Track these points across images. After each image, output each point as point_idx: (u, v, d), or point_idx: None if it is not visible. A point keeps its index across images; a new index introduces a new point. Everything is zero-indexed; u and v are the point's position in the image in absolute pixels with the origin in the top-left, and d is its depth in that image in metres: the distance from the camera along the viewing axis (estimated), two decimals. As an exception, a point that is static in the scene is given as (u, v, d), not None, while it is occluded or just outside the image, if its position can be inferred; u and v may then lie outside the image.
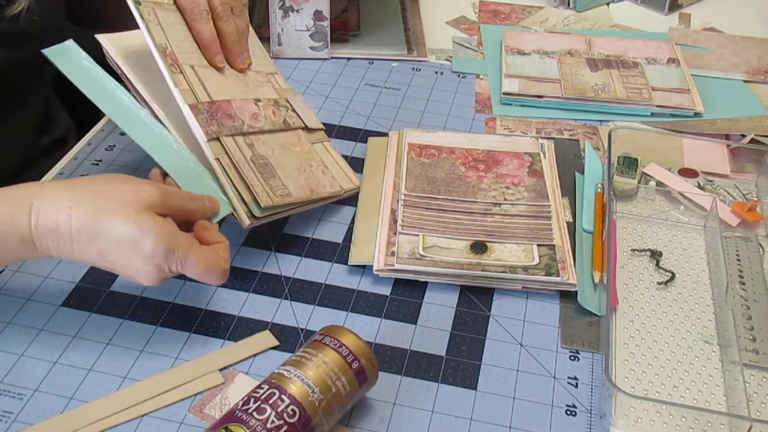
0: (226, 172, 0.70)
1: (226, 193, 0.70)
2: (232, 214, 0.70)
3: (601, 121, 0.96)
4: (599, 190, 0.82)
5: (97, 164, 0.85)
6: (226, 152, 0.71)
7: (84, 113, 0.88)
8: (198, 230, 0.65)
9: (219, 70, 0.78)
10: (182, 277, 0.63)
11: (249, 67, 0.82)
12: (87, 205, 0.58)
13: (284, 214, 0.74)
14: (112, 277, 0.71)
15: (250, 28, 0.84)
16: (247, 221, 0.70)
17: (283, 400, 0.54)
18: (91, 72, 0.72)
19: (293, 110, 0.82)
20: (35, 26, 0.80)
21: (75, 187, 0.60)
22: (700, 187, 0.84)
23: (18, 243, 0.59)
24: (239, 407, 0.54)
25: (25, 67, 0.81)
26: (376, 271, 0.72)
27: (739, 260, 0.76)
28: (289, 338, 0.67)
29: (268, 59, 0.87)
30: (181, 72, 0.73)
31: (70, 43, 0.73)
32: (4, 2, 0.76)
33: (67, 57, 0.72)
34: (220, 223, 0.69)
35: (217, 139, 0.72)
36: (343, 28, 1.12)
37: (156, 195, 0.60)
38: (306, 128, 0.82)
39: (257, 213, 0.70)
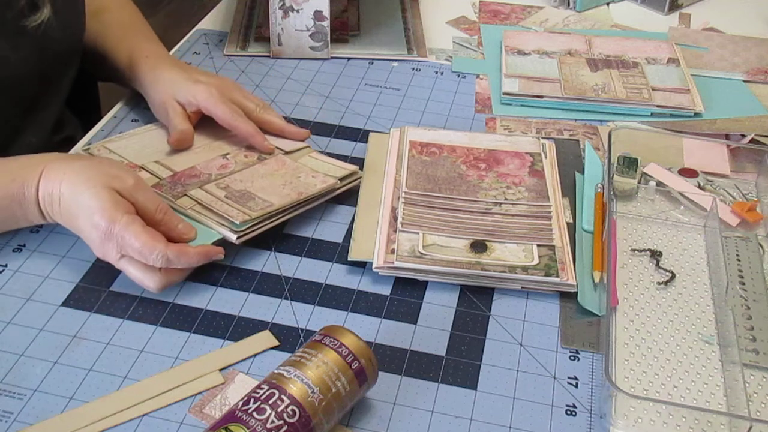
0: (201, 213, 0.73)
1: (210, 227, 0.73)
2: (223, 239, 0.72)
3: (601, 121, 0.96)
4: (599, 190, 0.82)
5: (97, 164, 0.85)
6: (197, 202, 0.74)
7: (89, 120, 0.97)
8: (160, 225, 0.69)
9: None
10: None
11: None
12: (73, 176, 0.68)
13: (279, 220, 0.75)
14: (112, 277, 0.71)
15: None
16: (233, 237, 0.71)
17: (283, 400, 0.54)
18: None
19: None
20: (56, 42, 0.84)
21: (74, 160, 0.71)
22: (700, 187, 0.84)
23: (31, 205, 0.69)
24: (239, 407, 0.54)
25: (43, 77, 0.86)
26: (376, 268, 0.72)
27: (739, 260, 0.75)
28: (289, 338, 0.67)
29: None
30: (143, 167, 0.79)
31: None
32: (27, 11, 0.79)
33: None
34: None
35: (185, 195, 0.75)
36: (343, 28, 1.12)
37: (126, 181, 0.68)
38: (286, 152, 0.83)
39: (238, 228, 0.71)
